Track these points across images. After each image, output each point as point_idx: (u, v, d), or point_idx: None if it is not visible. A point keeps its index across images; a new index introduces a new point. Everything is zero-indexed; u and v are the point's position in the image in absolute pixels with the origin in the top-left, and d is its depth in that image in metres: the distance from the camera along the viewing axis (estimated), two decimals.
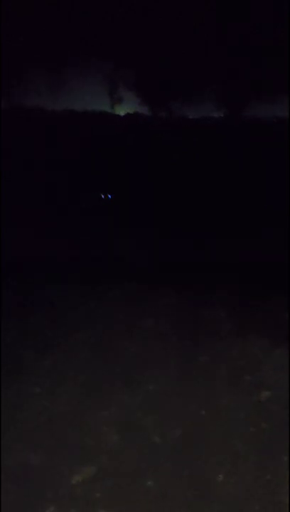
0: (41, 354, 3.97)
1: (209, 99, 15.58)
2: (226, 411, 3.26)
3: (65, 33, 12.68)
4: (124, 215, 9.25)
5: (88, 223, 8.57)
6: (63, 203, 9.87)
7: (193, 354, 4.00)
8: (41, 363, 3.84)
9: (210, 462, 2.80)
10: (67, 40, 12.94)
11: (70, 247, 7.04)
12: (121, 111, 16.08)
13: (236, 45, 13.32)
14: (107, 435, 3.00)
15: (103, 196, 10.84)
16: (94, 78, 14.17)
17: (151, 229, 7.96)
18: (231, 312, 4.82)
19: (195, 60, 13.86)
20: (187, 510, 2.46)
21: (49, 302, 5.06)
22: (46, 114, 14.32)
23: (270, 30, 12.98)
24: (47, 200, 9.83)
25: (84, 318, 4.67)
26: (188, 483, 2.64)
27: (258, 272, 6.08)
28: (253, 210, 9.31)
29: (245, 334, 4.33)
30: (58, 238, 7.42)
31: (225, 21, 13.01)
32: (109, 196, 10.86)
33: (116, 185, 11.60)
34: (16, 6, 11.57)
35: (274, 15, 12.15)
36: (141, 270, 6.17)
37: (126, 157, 12.77)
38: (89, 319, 4.64)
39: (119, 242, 7.21)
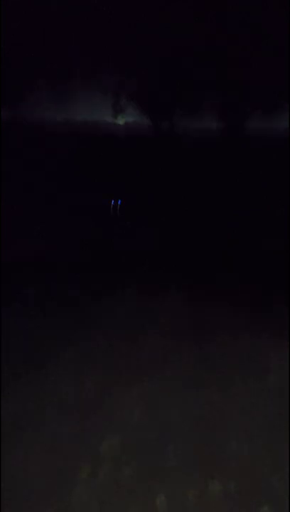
0: (64, 345, 4.31)
1: (209, 110, 16.12)
2: (238, 393, 3.63)
3: (70, 46, 13.24)
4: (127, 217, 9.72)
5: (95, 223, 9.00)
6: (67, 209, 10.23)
7: (206, 346, 4.36)
8: (66, 353, 4.19)
9: (224, 434, 3.16)
10: (71, 53, 13.50)
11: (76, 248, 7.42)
12: (124, 121, 16.65)
13: (236, 56, 13.86)
14: (131, 412, 3.36)
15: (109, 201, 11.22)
16: (98, 90, 14.74)
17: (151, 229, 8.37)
18: (237, 309, 5.20)
19: (196, 72, 14.42)
20: (202, 469, 2.82)
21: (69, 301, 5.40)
22: (50, 125, 14.85)
23: (270, 41, 13.54)
24: (50, 207, 10.20)
25: (103, 313, 5.03)
26: (204, 450, 2.99)
27: (258, 271, 6.49)
28: (251, 214, 9.76)
29: (251, 328, 4.70)
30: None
31: (225, 34, 13.58)
32: (114, 202, 11.24)
33: (117, 191, 11.98)
34: (22, 19, 12.15)
35: (274, 27, 12.71)
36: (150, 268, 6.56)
37: (128, 166, 13.24)
38: (108, 314, 5.00)
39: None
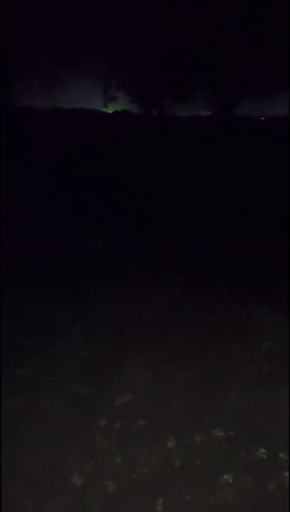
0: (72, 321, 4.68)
1: (199, 98, 16.42)
2: (235, 357, 4.05)
3: (62, 34, 13.40)
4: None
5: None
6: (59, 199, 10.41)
7: (204, 318, 4.77)
8: (73, 326, 4.57)
9: (224, 391, 3.58)
10: (63, 41, 13.66)
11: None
12: (114, 109, 16.91)
13: (225, 45, 14.16)
14: (139, 374, 3.76)
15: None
16: (89, 78, 14.95)
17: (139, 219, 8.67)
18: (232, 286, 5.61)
19: (186, 60, 14.69)
20: (205, 419, 3.24)
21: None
22: (42, 112, 15.04)
23: (259, 30, 13.87)
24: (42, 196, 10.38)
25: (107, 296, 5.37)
26: (206, 404, 3.42)
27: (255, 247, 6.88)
28: (243, 204, 10.14)
29: (247, 302, 5.13)
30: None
31: (214, 23, 13.85)
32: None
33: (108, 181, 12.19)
34: (11, 5, 12.25)
35: (264, 18, 13.05)
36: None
37: (119, 154, 13.50)
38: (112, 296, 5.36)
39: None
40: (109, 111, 17.19)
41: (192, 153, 13.67)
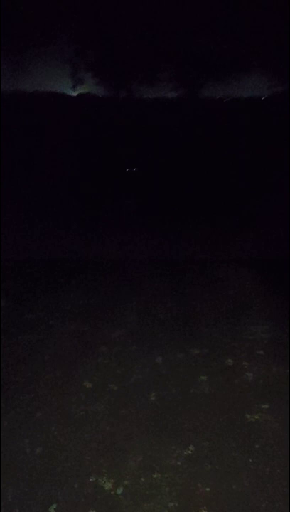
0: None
1: (165, 79, 17.12)
2: (205, 301, 5.00)
3: (27, 16, 13.77)
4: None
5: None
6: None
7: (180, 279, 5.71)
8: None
9: (201, 320, 4.52)
10: (28, 23, 14.03)
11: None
12: (82, 92, 17.39)
13: (192, 25, 14.87)
14: (127, 320, 4.65)
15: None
16: (55, 60, 15.39)
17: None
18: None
19: (153, 41, 15.35)
20: (185, 341, 4.17)
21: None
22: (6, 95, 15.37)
23: (225, 10, 14.64)
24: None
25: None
26: (185, 330, 4.34)
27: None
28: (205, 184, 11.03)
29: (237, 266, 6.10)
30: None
31: (180, 3, 14.56)
32: None
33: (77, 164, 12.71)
34: None
35: None
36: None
37: (87, 137, 14.08)
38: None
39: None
40: (75, 94, 17.66)
41: (158, 135, 14.40)
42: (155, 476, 2.69)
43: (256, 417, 3.21)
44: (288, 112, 15.13)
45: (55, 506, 2.47)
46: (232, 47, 15.22)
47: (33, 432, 3.04)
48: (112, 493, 2.57)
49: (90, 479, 2.65)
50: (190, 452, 2.88)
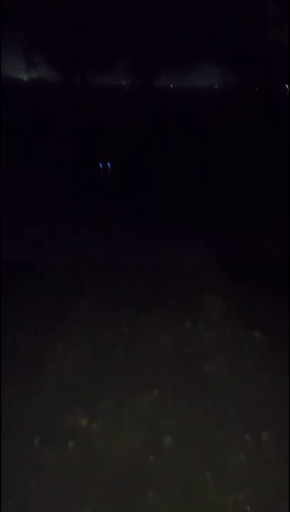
0: None
1: (120, 67, 17.28)
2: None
3: None
4: None
5: None
6: None
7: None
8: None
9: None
10: None
11: None
12: (35, 76, 17.22)
13: (148, 15, 15.09)
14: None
15: None
16: (8, 44, 15.14)
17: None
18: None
19: (110, 29, 15.47)
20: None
21: None
22: None
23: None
24: None
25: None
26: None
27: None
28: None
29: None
30: None
31: None
32: None
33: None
34: None
35: None
36: None
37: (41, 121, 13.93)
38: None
39: None
40: (25, 78, 17.50)
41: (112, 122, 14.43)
42: (125, 413, 3.09)
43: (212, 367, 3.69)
44: (242, 101, 15.86)
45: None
46: (185, 37, 15.60)
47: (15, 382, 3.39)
48: (88, 427, 2.95)
49: (68, 417, 3.02)
50: (154, 395, 3.30)
